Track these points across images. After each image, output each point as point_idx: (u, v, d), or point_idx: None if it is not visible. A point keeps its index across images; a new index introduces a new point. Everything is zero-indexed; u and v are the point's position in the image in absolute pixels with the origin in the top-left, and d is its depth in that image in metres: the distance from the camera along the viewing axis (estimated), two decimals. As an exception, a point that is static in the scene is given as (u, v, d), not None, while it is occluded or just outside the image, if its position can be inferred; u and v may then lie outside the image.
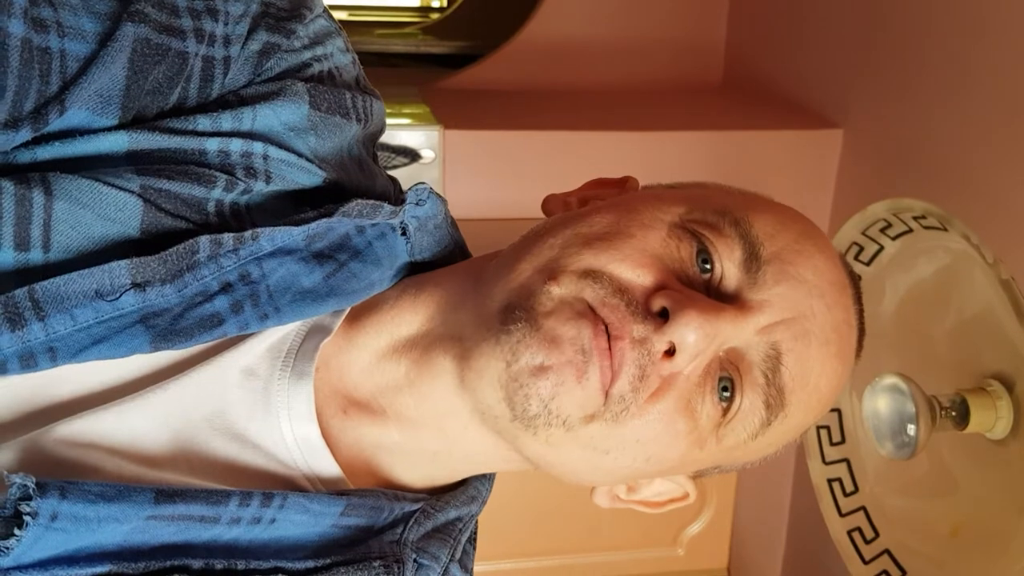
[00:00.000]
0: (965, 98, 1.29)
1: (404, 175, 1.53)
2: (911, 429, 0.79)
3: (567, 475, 0.46)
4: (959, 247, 0.78)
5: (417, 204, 0.47)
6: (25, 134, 0.38)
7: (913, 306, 0.88)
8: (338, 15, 2.72)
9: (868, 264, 0.89)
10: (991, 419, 0.80)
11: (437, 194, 0.49)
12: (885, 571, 0.88)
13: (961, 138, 1.31)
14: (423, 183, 0.48)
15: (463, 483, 0.50)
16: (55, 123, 0.38)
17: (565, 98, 1.83)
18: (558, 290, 0.42)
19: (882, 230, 0.85)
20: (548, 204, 0.52)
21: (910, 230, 0.83)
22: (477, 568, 0.52)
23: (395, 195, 0.50)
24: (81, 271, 0.38)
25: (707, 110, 1.83)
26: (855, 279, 0.49)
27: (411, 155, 1.53)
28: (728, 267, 0.43)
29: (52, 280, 0.38)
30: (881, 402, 0.81)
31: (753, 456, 0.48)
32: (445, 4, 2.85)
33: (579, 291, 0.42)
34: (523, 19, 1.91)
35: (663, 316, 0.41)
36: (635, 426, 0.42)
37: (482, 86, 1.88)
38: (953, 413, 0.81)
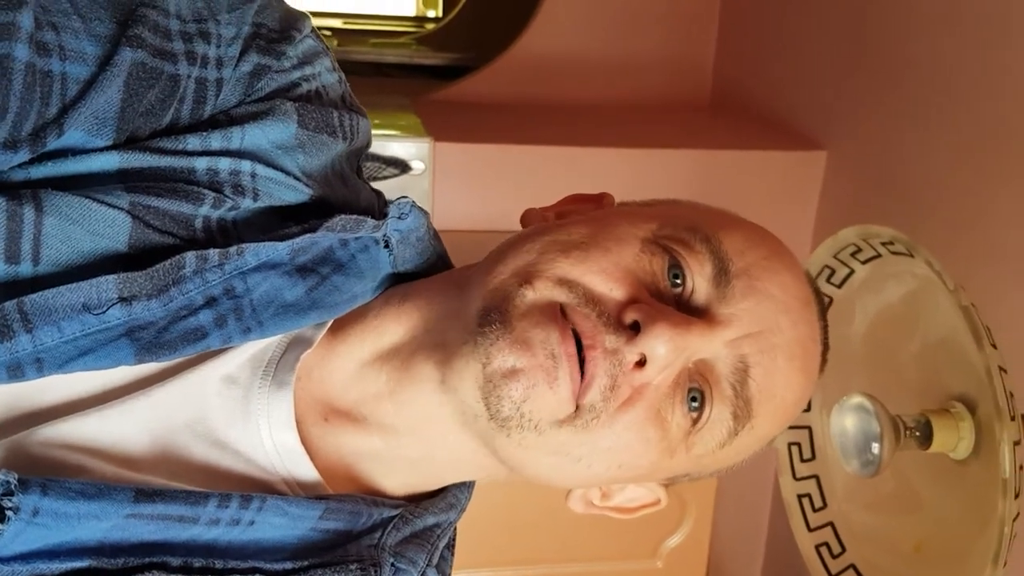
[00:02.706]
0: (947, 124, 1.32)
1: (394, 186, 1.55)
2: (875, 448, 0.81)
3: (541, 479, 0.47)
4: (925, 273, 0.80)
5: (400, 218, 0.49)
6: (23, 155, 0.39)
7: (882, 328, 0.91)
8: (333, 23, 2.75)
9: (839, 287, 0.91)
10: (954, 440, 0.82)
11: (419, 207, 0.50)
12: (850, 586, 0.90)
13: (941, 164, 1.34)
14: (405, 197, 0.49)
15: (442, 491, 0.52)
16: (52, 144, 0.40)
17: (555, 113, 1.85)
18: (532, 294, 0.43)
19: (852, 254, 0.87)
20: (526, 217, 0.54)
21: (879, 255, 0.86)
22: (456, 575, 0.53)
23: (379, 209, 0.52)
24: (69, 285, 0.39)
25: (694, 129, 1.86)
26: (820, 297, 0.51)
27: (401, 166, 1.55)
28: (699, 282, 0.45)
29: (41, 293, 0.39)
30: (848, 420, 0.84)
31: (721, 464, 0.50)
32: (440, 15, 2.87)
33: (553, 295, 0.43)
34: (517, 32, 1.93)
35: (634, 329, 0.43)
36: (605, 434, 0.43)
37: (473, 99, 1.91)
38: (917, 433, 0.83)
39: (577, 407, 0.43)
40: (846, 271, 0.89)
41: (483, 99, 1.90)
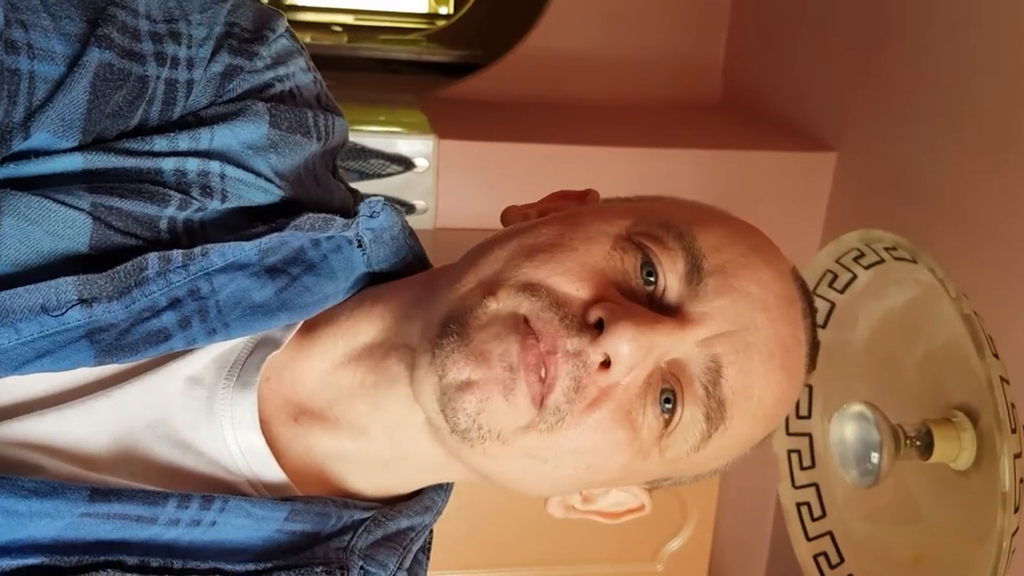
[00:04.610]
0: (958, 129, 1.30)
1: (398, 183, 1.54)
2: (875, 457, 0.80)
3: (513, 485, 0.47)
4: (928, 279, 0.79)
5: (371, 216, 0.48)
6: None
7: (884, 335, 0.89)
8: (343, 19, 2.74)
9: (842, 292, 0.89)
10: (955, 450, 0.80)
11: (393, 206, 0.50)
12: (848, 596, 0.89)
13: (952, 167, 1.32)
14: (377, 196, 0.49)
15: (418, 493, 0.51)
16: (17, 146, 0.39)
17: (561, 112, 1.84)
18: (495, 305, 0.43)
19: (855, 259, 0.86)
20: (507, 215, 0.53)
21: (882, 260, 0.84)
22: None
23: (354, 208, 0.51)
24: (27, 286, 0.39)
25: (703, 128, 1.84)
26: (807, 293, 0.49)
27: (405, 163, 1.54)
28: (671, 279, 0.44)
29: None
30: (847, 429, 0.82)
31: (701, 468, 0.48)
32: (452, 12, 2.86)
33: (516, 305, 0.42)
34: (525, 30, 1.92)
35: (599, 328, 0.41)
36: (571, 435, 0.42)
37: (480, 97, 1.90)
38: (918, 443, 0.81)
39: (542, 406, 0.42)
40: (849, 276, 0.87)
41: (490, 97, 1.89)
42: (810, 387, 0.93)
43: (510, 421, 0.42)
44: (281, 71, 0.46)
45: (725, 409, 0.44)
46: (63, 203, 0.40)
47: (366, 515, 0.47)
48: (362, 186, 1.52)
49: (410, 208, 1.57)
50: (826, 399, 0.91)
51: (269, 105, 0.45)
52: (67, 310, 0.39)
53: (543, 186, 1.68)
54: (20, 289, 0.39)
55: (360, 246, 0.49)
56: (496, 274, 0.44)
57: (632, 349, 0.41)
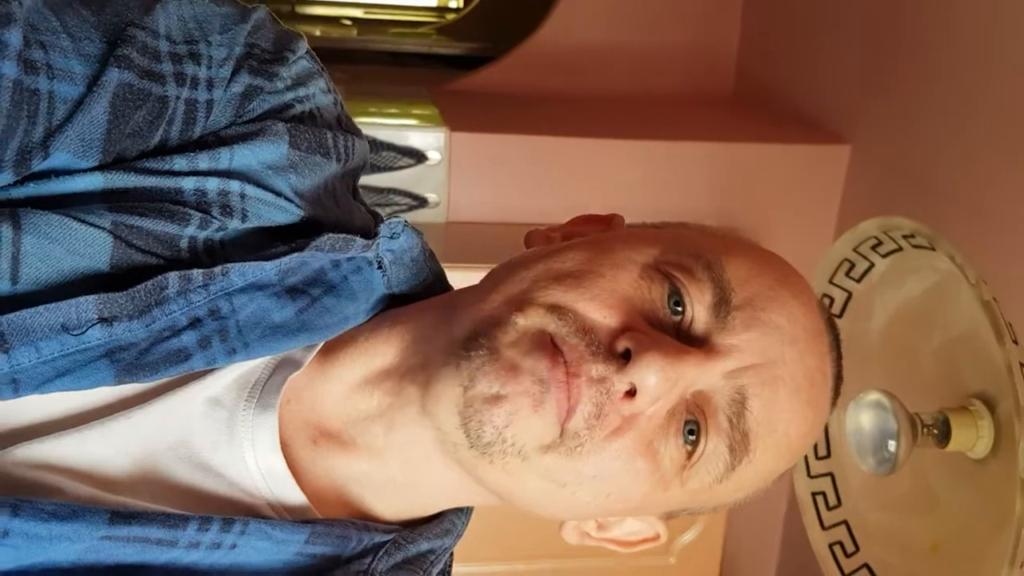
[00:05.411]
0: (973, 121, 1.29)
1: (409, 176, 1.54)
2: (892, 445, 0.80)
3: (530, 507, 0.46)
4: (947, 267, 0.79)
5: (391, 237, 0.48)
6: (6, 177, 0.39)
7: (901, 324, 0.89)
8: (353, 12, 2.75)
9: (859, 281, 0.89)
10: (972, 438, 0.80)
11: (412, 227, 0.49)
12: (864, 585, 0.89)
13: (966, 160, 1.31)
14: (398, 217, 0.49)
15: (438, 516, 0.50)
16: (37, 166, 0.39)
17: (573, 104, 1.84)
18: (523, 321, 0.42)
19: (873, 247, 0.86)
20: (530, 239, 0.53)
21: (900, 248, 0.84)
22: (468, 568, 0.52)
23: (374, 229, 0.51)
24: (48, 305, 0.39)
25: (717, 121, 1.84)
26: (833, 327, 0.49)
27: (417, 156, 1.54)
28: (698, 310, 0.43)
29: (18, 313, 0.38)
30: (864, 418, 0.82)
31: (721, 500, 0.48)
32: (462, 4, 2.86)
33: (543, 324, 0.42)
34: (536, 22, 1.92)
35: (626, 357, 0.41)
36: (591, 462, 0.42)
37: (492, 89, 1.90)
38: (935, 431, 0.81)
39: (562, 432, 0.41)
40: (866, 265, 0.87)
41: (501, 89, 1.89)
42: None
43: (534, 437, 0.41)
44: (301, 92, 0.47)
45: (749, 441, 0.44)
46: (84, 222, 0.40)
47: (386, 538, 0.47)
48: (374, 179, 1.52)
49: (422, 201, 1.57)
50: (843, 388, 0.91)
51: (289, 125, 0.45)
52: (87, 329, 0.39)
53: (555, 179, 1.68)
54: (41, 308, 0.39)
55: (380, 267, 0.49)
56: (524, 292, 0.44)
57: (659, 380, 0.41)
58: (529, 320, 0.42)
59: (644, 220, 0.53)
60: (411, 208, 1.56)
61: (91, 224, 0.40)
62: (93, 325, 0.39)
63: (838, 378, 0.49)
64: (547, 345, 0.41)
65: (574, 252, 0.46)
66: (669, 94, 1.94)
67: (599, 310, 0.43)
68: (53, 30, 0.39)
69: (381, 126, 1.52)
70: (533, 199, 1.59)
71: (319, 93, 0.48)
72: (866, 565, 0.90)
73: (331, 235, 0.45)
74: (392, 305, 0.50)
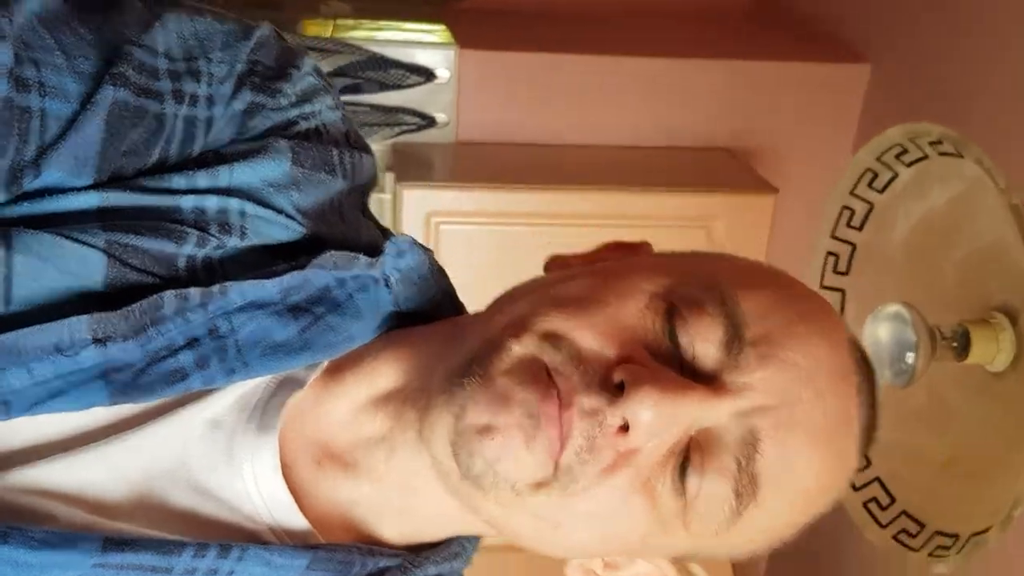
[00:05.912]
0: (1000, 40, 1.25)
1: (418, 94, 1.51)
2: (910, 357, 0.79)
3: (527, 543, 0.45)
4: (974, 174, 0.76)
5: (397, 255, 0.47)
6: None
7: (924, 235, 0.87)
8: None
9: (881, 192, 0.87)
10: (992, 351, 0.79)
11: (421, 245, 0.48)
12: (874, 498, 0.89)
13: (994, 81, 1.27)
14: (405, 235, 0.47)
15: (447, 540, 0.49)
16: (29, 185, 0.38)
17: (585, 21, 1.79)
18: (518, 348, 0.40)
19: (897, 156, 0.83)
20: (548, 264, 0.50)
21: (925, 156, 0.81)
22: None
23: (381, 247, 0.49)
24: (40, 325, 0.38)
25: (732, 38, 1.79)
26: (865, 367, 0.45)
27: (426, 74, 1.51)
28: (701, 348, 0.41)
29: (9, 334, 0.38)
30: (882, 329, 0.81)
31: (732, 549, 0.45)
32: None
33: (538, 352, 0.40)
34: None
35: (622, 389, 0.39)
36: (585, 499, 0.40)
37: (501, 6, 1.84)
38: (954, 343, 0.80)
39: (556, 467, 0.39)
40: (889, 175, 0.85)
41: (511, 7, 1.83)
42: (843, 292, 0.91)
43: (526, 474, 0.40)
44: (307, 108, 0.46)
45: (758, 486, 0.41)
46: (77, 240, 0.39)
47: (392, 563, 0.45)
48: (383, 97, 1.49)
49: (431, 121, 1.54)
50: (860, 302, 0.90)
51: (292, 143, 0.44)
52: (81, 350, 0.39)
53: (567, 97, 1.64)
54: (33, 328, 0.38)
55: (387, 285, 0.47)
56: (522, 318, 0.42)
57: (653, 416, 0.38)
58: (524, 347, 0.40)
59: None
60: (420, 128, 1.53)
61: (84, 243, 0.39)
62: (87, 346, 0.39)
63: (870, 423, 0.45)
64: (541, 376, 0.40)
65: (583, 279, 0.44)
66: (682, 9, 1.88)
67: (596, 339, 0.40)
68: (47, 48, 0.38)
69: (390, 42, 1.48)
70: (543, 118, 1.55)
71: (325, 110, 0.47)
72: (878, 479, 0.90)
73: (334, 252, 0.44)
74: (400, 323, 0.49)
